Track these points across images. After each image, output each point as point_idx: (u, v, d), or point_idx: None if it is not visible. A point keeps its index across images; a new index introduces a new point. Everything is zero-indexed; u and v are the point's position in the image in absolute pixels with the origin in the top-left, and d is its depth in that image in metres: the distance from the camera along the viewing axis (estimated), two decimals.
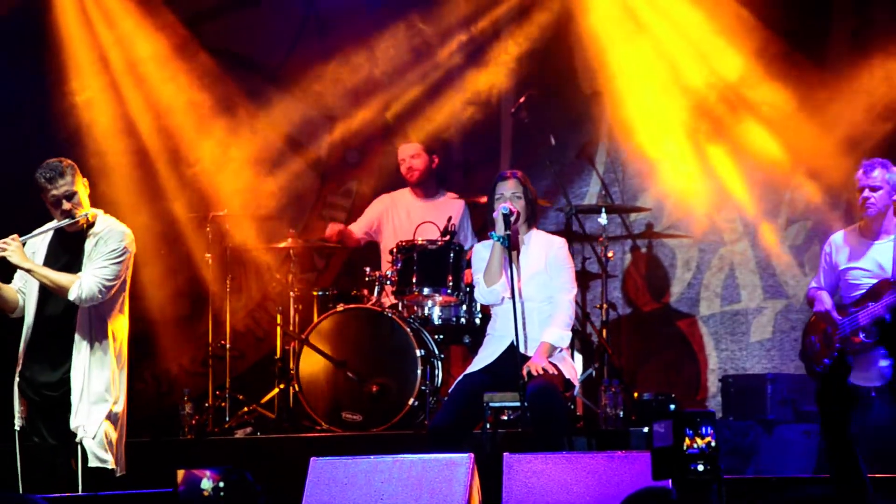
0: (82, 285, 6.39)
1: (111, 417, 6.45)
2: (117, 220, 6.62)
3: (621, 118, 9.58)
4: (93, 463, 6.38)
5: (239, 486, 5.50)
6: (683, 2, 9.40)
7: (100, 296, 6.42)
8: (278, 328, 8.96)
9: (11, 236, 6.44)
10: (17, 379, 6.54)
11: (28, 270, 6.43)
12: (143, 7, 9.77)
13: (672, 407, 8.53)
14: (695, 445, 4.84)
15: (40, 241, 6.60)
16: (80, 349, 6.44)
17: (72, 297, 6.38)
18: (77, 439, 6.37)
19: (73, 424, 6.38)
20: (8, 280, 6.63)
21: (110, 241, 6.50)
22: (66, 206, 6.45)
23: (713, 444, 4.86)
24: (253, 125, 10.08)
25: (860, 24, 9.26)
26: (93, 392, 6.42)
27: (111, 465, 6.42)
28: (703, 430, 4.88)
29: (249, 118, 10.08)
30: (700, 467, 4.81)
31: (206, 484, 5.55)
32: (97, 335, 6.47)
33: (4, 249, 6.37)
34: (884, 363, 6.73)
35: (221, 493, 5.50)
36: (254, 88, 10.26)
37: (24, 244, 6.46)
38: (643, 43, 9.49)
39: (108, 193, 9.14)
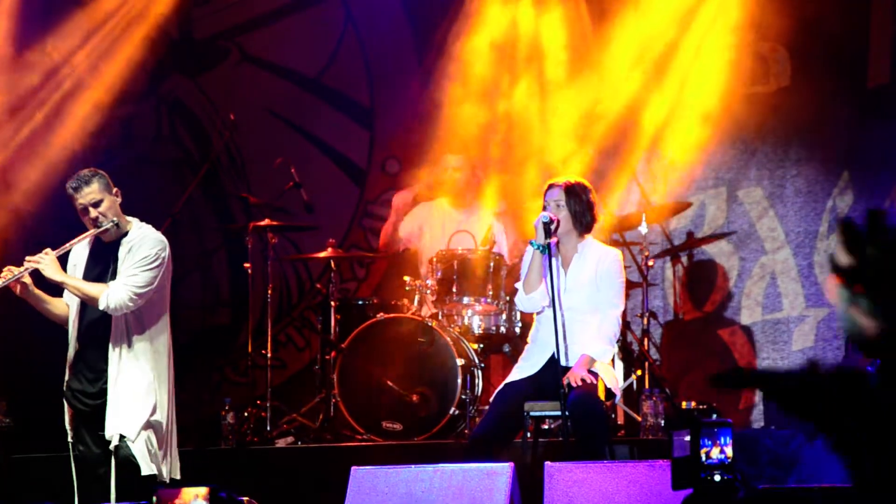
0: (110, 294, 6.41)
1: (152, 425, 6.45)
2: (153, 228, 6.65)
3: (662, 126, 9.54)
4: (131, 470, 6.40)
5: None
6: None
7: (130, 304, 6.43)
8: (318, 338, 8.98)
9: (45, 250, 6.49)
10: (64, 388, 6.62)
11: (60, 283, 6.49)
12: None
13: (714, 416, 8.50)
14: (712, 456, 4.82)
15: (82, 252, 6.64)
16: (114, 358, 6.46)
17: (101, 306, 6.41)
18: (111, 447, 6.38)
19: (107, 433, 6.41)
20: (57, 294, 6.68)
21: (142, 247, 6.52)
22: (93, 213, 6.48)
23: (730, 453, 4.83)
24: (290, 134, 10.12)
25: None
26: (129, 400, 6.43)
27: (152, 472, 6.42)
28: (721, 439, 4.86)
29: (287, 127, 10.12)
30: (717, 477, 4.79)
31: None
32: (133, 343, 6.49)
33: (38, 262, 6.42)
34: None
35: None
36: (293, 98, 10.30)
37: (59, 258, 6.51)
38: (684, 48, 9.43)
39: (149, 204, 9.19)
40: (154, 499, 5.58)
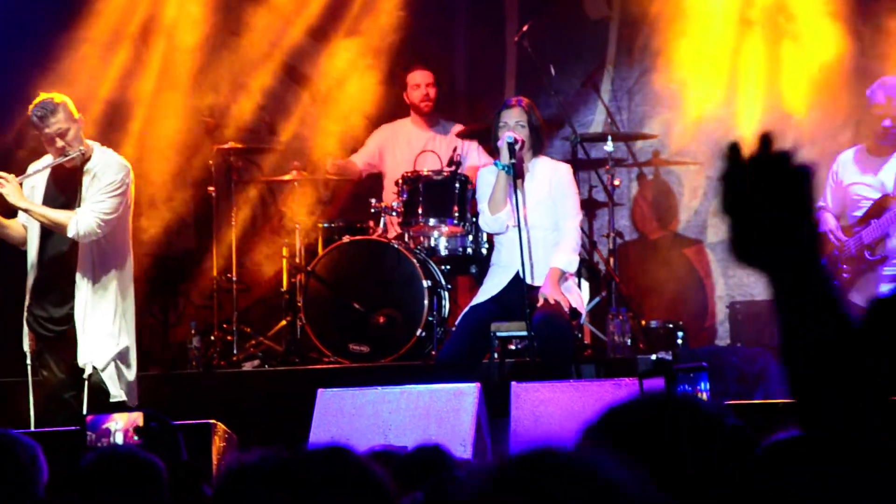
0: (79, 221, 6.36)
1: (119, 352, 6.46)
2: (114, 152, 6.59)
3: (626, 44, 9.47)
4: (101, 397, 6.41)
5: (158, 432, 5.39)
6: None
7: (98, 230, 6.39)
8: (284, 261, 8.94)
9: (8, 176, 6.41)
10: (25, 314, 6.59)
11: (25, 210, 6.42)
12: None
13: (680, 334, 8.50)
14: None
15: (39, 180, 6.57)
16: (83, 285, 6.44)
17: (70, 233, 6.36)
18: (85, 375, 6.39)
19: (80, 361, 6.40)
20: (12, 216, 6.62)
21: (107, 174, 6.47)
22: (60, 143, 6.41)
23: (707, 399, 4.81)
24: (252, 54, 9.99)
25: None
26: (98, 327, 6.43)
27: (121, 398, 6.44)
28: (700, 385, 4.84)
29: (249, 46, 9.98)
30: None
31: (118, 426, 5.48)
32: (99, 270, 6.47)
33: (1, 188, 6.35)
34: (884, 287, 6.69)
35: (138, 438, 5.41)
36: (244, 13, 10.11)
37: (21, 184, 6.44)
38: None
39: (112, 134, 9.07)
40: (86, 425, 5.54)
